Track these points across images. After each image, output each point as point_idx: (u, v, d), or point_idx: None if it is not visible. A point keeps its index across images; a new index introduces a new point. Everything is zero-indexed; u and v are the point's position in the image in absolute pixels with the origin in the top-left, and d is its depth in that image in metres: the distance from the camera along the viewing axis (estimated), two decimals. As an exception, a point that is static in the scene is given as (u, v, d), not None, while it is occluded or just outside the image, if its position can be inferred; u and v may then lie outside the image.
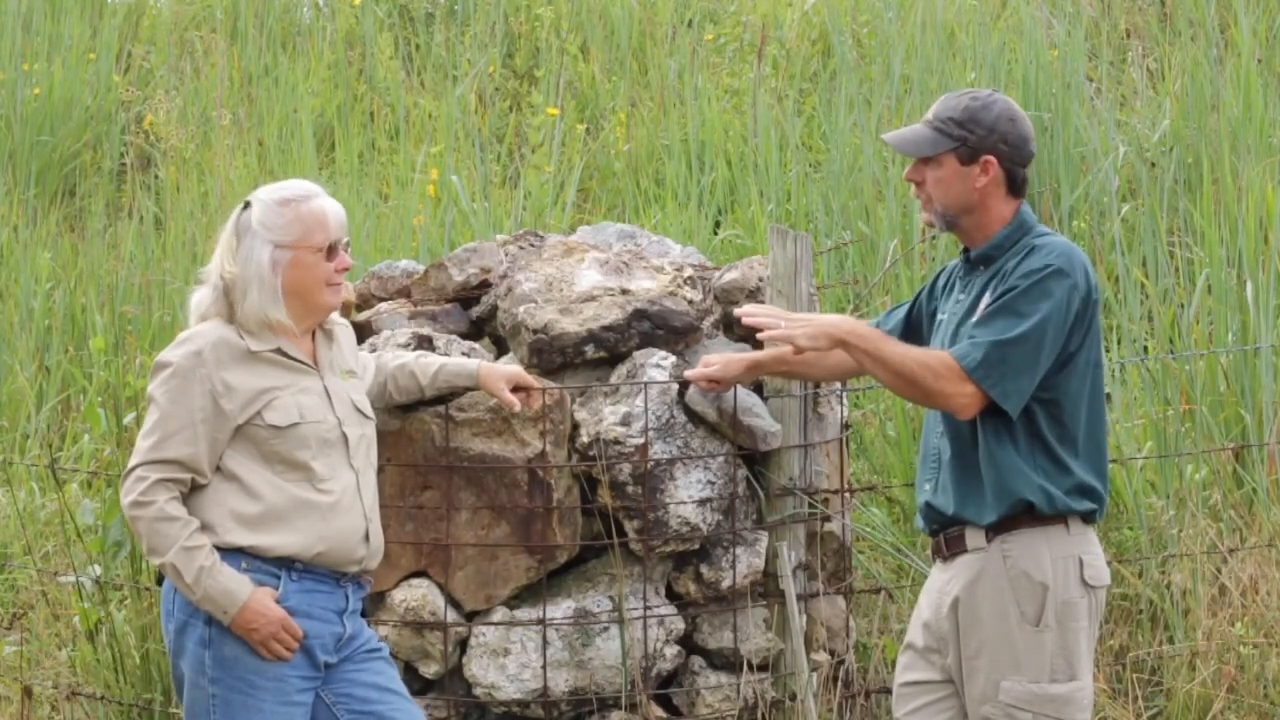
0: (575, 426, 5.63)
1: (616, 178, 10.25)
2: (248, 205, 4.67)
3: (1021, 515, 4.53)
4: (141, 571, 6.27)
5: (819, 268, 8.22)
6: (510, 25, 11.96)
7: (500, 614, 5.61)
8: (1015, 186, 4.64)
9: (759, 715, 5.68)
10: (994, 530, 4.54)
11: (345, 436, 4.67)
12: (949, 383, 4.50)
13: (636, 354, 5.70)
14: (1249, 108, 8.99)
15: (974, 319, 4.57)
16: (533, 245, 6.08)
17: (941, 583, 4.63)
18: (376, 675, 4.71)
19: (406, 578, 5.63)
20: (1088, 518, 4.58)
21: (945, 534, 4.63)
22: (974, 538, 4.57)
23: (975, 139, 4.59)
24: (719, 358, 5.34)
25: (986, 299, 4.57)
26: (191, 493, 4.57)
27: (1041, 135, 9.07)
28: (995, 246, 4.63)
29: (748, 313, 4.95)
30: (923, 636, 4.68)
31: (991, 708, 4.52)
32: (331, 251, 4.66)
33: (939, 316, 4.76)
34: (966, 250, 4.70)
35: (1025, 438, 4.53)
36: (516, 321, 5.71)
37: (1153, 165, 9.13)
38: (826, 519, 5.81)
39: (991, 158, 4.60)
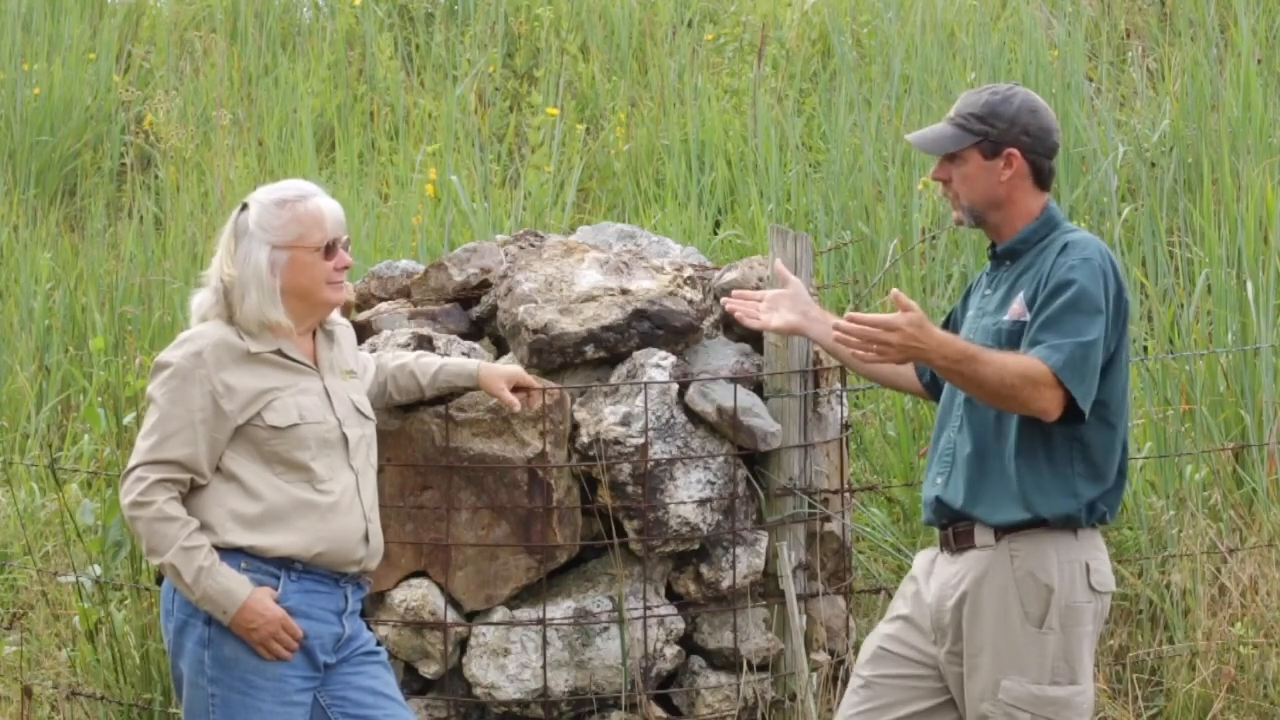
0: (575, 426, 5.63)
1: (616, 178, 10.25)
2: (245, 207, 4.67)
3: (1032, 523, 4.52)
4: (141, 571, 6.27)
5: (819, 268, 8.22)
6: (510, 25, 11.96)
7: (500, 614, 5.61)
8: (1042, 179, 4.63)
9: (759, 715, 5.69)
10: (1003, 530, 4.53)
11: (345, 437, 4.67)
12: (1047, 389, 4.41)
13: (636, 354, 5.70)
14: (1249, 108, 8.99)
15: (1037, 319, 4.47)
16: (533, 245, 6.08)
17: (949, 575, 4.61)
18: (372, 679, 4.71)
19: (406, 578, 5.63)
20: (1098, 523, 4.58)
21: (954, 528, 4.61)
22: (983, 535, 4.55)
23: (997, 133, 4.58)
24: (772, 294, 5.12)
25: (1022, 295, 4.54)
26: (191, 493, 4.57)
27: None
28: (1022, 241, 4.61)
29: (853, 317, 4.54)
30: (917, 612, 4.66)
31: (990, 705, 4.51)
32: (330, 250, 4.66)
33: (967, 312, 4.75)
34: (993, 245, 4.68)
35: (1063, 445, 4.49)
36: (516, 321, 5.71)
37: (1153, 165, 9.13)
38: (826, 519, 5.81)
39: (1014, 150, 4.58)
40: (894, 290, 4.46)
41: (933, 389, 4.89)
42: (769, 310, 5.15)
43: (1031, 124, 4.60)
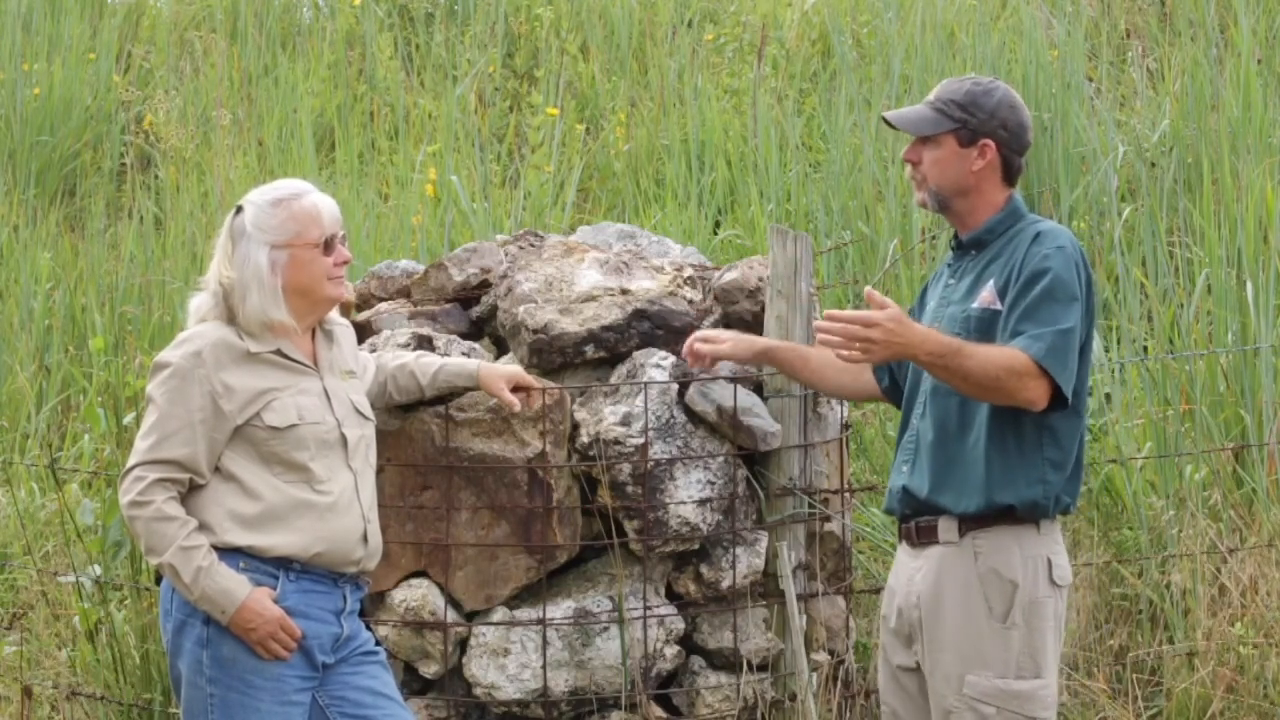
0: (575, 426, 5.63)
1: (616, 178, 10.25)
2: (240, 210, 4.67)
3: (998, 513, 4.52)
4: (141, 571, 6.27)
5: (819, 268, 8.22)
6: (510, 25, 11.96)
7: (500, 614, 5.61)
8: (1010, 174, 4.66)
9: (759, 715, 5.68)
10: (966, 524, 4.53)
11: (344, 438, 4.67)
12: (1032, 379, 4.42)
13: (636, 354, 5.70)
14: (1249, 108, 8.99)
15: (1015, 310, 4.48)
16: (533, 245, 6.08)
17: (911, 571, 4.63)
18: (371, 679, 4.71)
19: (406, 578, 5.63)
20: (1062, 513, 4.59)
21: (917, 522, 4.62)
22: (946, 530, 4.56)
23: (976, 122, 4.61)
24: (730, 335, 5.27)
25: (992, 283, 4.55)
26: (190, 493, 4.57)
27: (1041, 135, 9.07)
28: (988, 231, 4.64)
29: (832, 315, 4.54)
30: (896, 620, 4.68)
31: (956, 700, 4.52)
32: (328, 246, 4.66)
33: (927, 304, 4.76)
34: (956, 235, 4.70)
35: (1033, 433, 4.51)
36: (516, 321, 5.71)
37: (1153, 165, 9.13)
38: (826, 519, 5.81)
39: (990, 142, 4.61)
40: (868, 288, 4.49)
41: (892, 393, 4.90)
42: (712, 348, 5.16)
43: (1010, 119, 4.63)
